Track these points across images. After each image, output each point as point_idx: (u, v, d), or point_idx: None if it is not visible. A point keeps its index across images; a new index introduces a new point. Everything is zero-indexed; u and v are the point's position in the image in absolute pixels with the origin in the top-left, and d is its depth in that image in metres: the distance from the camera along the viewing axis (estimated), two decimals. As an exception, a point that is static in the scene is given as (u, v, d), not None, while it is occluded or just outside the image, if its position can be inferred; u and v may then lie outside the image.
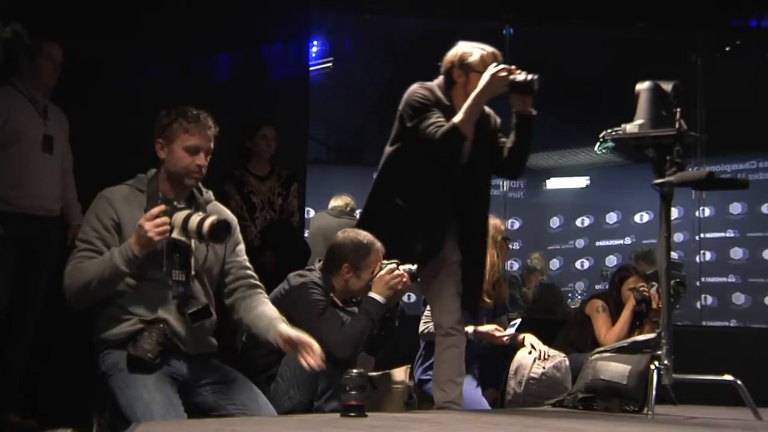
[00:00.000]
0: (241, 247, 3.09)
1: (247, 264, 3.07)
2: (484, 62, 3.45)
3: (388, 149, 3.58)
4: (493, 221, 4.22)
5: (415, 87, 3.51)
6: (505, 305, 4.60)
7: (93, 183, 4.53)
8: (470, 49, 3.51)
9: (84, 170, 4.46)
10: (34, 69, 4.16)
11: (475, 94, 3.37)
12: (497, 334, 4.25)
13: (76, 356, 4.57)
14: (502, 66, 3.38)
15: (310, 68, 6.01)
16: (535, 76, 3.35)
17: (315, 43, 6.28)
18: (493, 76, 3.35)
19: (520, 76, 3.35)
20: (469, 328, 4.06)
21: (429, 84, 3.53)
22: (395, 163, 3.53)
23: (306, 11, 5.85)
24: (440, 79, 3.57)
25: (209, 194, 3.08)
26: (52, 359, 4.56)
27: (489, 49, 3.51)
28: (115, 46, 5.03)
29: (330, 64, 6.77)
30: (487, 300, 4.29)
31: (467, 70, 3.48)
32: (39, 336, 4.22)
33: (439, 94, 3.50)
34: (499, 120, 3.67)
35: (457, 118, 3.37)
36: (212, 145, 2.95)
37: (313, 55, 6.24)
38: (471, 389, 4.16)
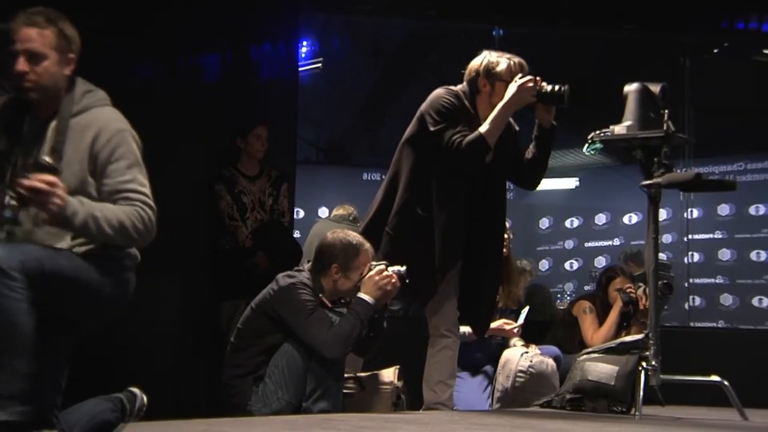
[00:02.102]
0: (115, 167, 2.46)
1: (119, 187, 2.45)
2: (510, 72, 3.45)
3: (404, 148, 3.54)
4: None
5: (441, 91, 3.49)
6: (516, 309, 4.55)
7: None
8: (497, 59, 3.50)
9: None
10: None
11: (502, 105, 3.37)
12: (506, 327, 4.30)
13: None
14: (529, 77, 3.38)
15: (300, 69, 6.00)
16: (565, 87, 3.35)
17: (304, 43, 6.28)
18: (521, 86, 3.35)
19: (548, 86, 3.36)
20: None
21: (455, 89, 3.51)
22: (414, 168, 3.49)
23: (295, 12, 5.84)
24: (464, 85, 3.55)
25: (90, 98, 2.62)
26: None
27: (516, 59, 3.51)
28: (104, 46, 5.01)
29: (319, 65, 6.77)
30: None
31: (493, 79, 3.48)
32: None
33: (465, 101, 3.49)
34: (517, 128, 3.67)
35: (483, 128, 3.36)
36: (37, 47, 2.54)
37: (303, 55, 6.23)
38: (478, 392, 4.20)
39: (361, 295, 3.36)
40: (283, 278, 3.48)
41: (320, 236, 5.52)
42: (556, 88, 3.37)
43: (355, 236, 3.52)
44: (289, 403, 3.30)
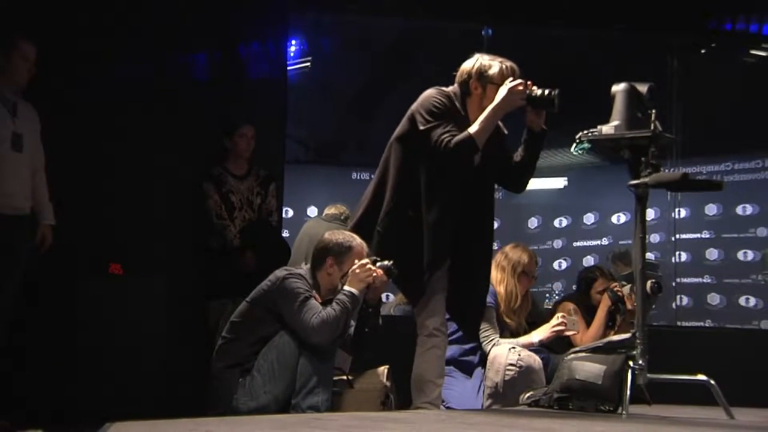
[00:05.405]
0: None
1: None
2: (502, 75, 3.46)
3: (393, 147, 3.55)
4: (518, 253, 4.45)
5: (432, 92, 3.51)
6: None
7: (67, 181, 4.54)
8: (489, 62, 3.52)
9: (58, 169, 4.42)
10: (8, 67, 4.12)
11: (492, 107, 3.39)
12: (557, 328, 4.41)
13: (49, 357, 4.56)
14: (519, 81, 3.39)
15: (288, 68, 6.00)
16: (555, 91, 3.37)
17: (293, 42, 6.27)
18: (511, 90, 3.37)
19: (538, 90, 3.37)
20: (535, 337, 4.37)
21: (446, 90, 3.53)
22: (403, 168, 3.50)
23: (284, 11, 5.84)
24: (455, 87, 3.56)
25: None
26: (25, 361, 4.53)
27: (508, 62, 3.52)
28: (94, 45, 5.00)
29: (308, 64, 6.76)
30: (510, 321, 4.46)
31: (485, 82, 3.49)
32: (11, 337, 4.17)
33: (456, 102, 3.51)
34: (506, 131, 3.68)
35: (472, 129, 3.38)
36: None
37: (292, 54, 6.23)
38: (472, 393, 4.21)
39: (346, 287, 3.50)
40: (280, 271, 3.61)
41: (311, 235, 5.57)
42: (546, 92, 3.38)
43: (350, 234, 3.64)
44: (277, 399, 3.32)
